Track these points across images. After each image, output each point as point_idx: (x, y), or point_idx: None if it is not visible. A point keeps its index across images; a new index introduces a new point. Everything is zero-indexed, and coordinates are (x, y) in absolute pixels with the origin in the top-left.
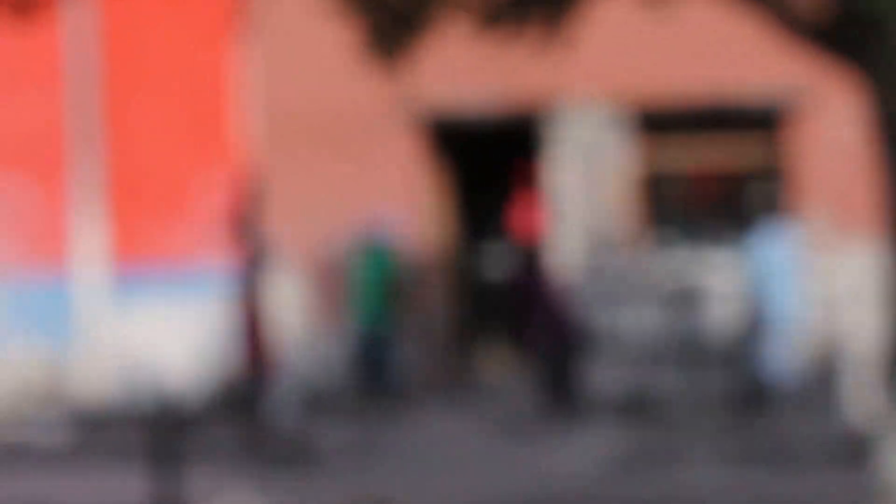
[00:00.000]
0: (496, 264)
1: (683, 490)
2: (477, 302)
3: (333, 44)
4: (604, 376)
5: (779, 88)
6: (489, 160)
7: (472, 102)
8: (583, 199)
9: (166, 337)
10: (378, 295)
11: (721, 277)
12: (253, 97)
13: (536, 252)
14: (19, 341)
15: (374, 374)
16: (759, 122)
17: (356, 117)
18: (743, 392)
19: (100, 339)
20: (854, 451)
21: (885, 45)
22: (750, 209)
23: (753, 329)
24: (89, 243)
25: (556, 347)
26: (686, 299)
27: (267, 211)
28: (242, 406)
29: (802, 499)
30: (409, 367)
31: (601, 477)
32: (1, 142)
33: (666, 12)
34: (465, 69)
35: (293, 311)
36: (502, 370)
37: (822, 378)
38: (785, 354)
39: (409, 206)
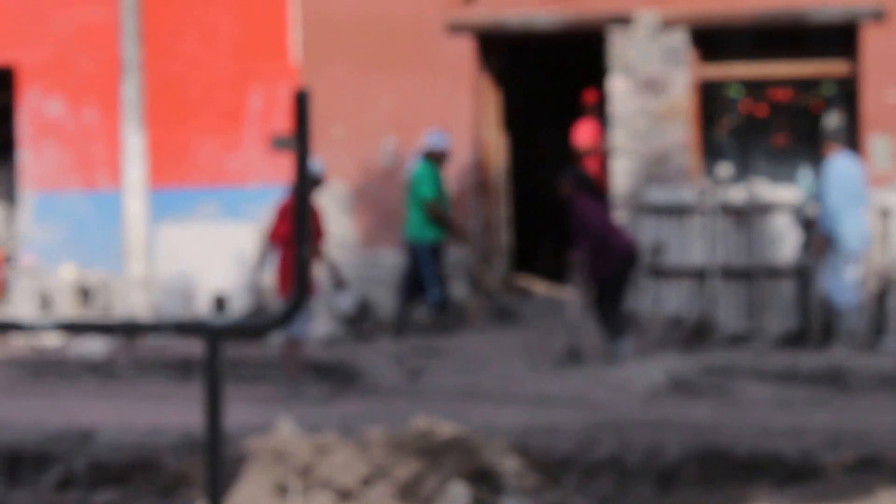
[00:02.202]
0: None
1: (734, 410)
2: (529, 222)
3: None
4: (661, 299)
5: (850, 7)
6: (545, 76)
7: (528, 15)
8: (641, 125)
9: (216, 259)
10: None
11: (786, 195)
12: (299, 10)
13: (582, 174)
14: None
15: (420, 287)
16: (829, 40)
17: (404, 27)
18: (803, 318)
19: (148, 260)
20: None
21: None
22: (823, 134)
23: (823, 254)
24: (138, 165)
25: (610, 269)
26: (748, 216)
27: (313, 127)
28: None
29: (850, 420)
30: (457, 287)
31: (655, 398)
32: (53, 64)
33: None
34: None
35: (342, 227)
36: (552, 291)
37: (878, 313)
38: (852, 283)
39: (458, 122)
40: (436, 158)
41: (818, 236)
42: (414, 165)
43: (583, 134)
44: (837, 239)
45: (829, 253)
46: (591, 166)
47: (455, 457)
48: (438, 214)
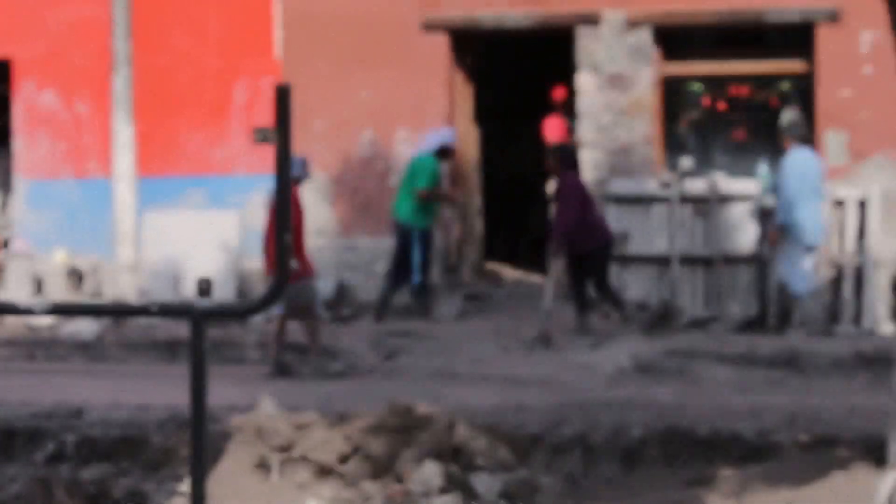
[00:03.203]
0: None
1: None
2: (504, 208)
3: None
4: (626, 285)
5: (806, 8)
6: (518, 72)
7: (500, 14)
8: (607, 120)
9: (202, 245)
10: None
11: (745, 187)
12: (285, 8)
13: (571, 151)
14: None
15: (407, 271)
16: (786, 39)
17: (381, 25)
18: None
19: (136, 246)
20: (863, 365)
21: None
22: (781, 129)
23: (778, 245)
24: (127, 154)
25: (590, 246)
26: (708, 206)
27: (294, 119)
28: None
29: (806, 401)
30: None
31: (620, 380)
32: (47, 58)
33: None
34: None
35: (322, 215)
36: (523, 278)
37: (833, 299)
38: (808, 272)
39: (433, 116)
40: (444, 154)
41: (773, 228)
42: (419, 155)
43: (551, 130)
44: (794, 230)
45: (785, 243)
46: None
47: (429, 435)
48: (429, 196)
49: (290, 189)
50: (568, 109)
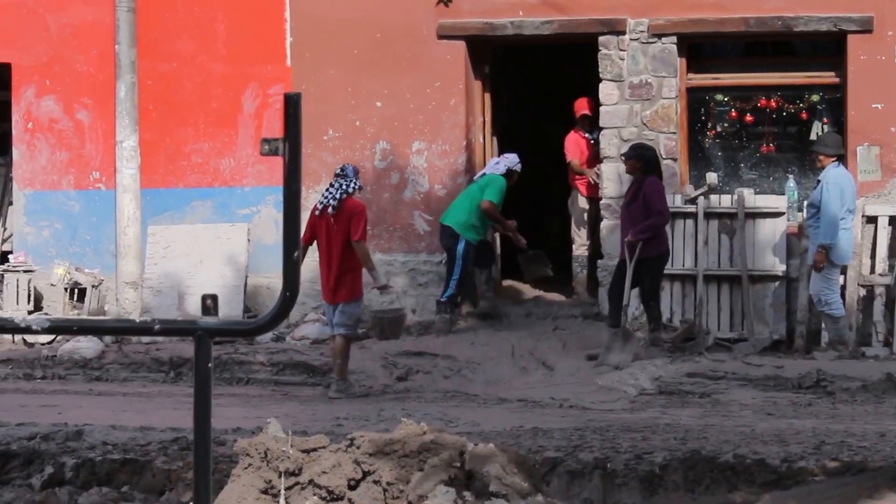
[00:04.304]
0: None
1: (720, 415)
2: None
3: None
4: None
5: (837, 17)
6: (538, 81)
7: (519, 21)
8: (630, 132)
9: (209, 259)
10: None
11: (773, 203)
12: (296, 13)
13: (654, 154)
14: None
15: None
16: (816, 49)
17: (395, 31)
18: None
19: (140, 260)
20: (893, 388)
21: None
22: (815, 145)
23: (822, 262)
24: (131, 164)
25: (658, 252)
26: (735, 222)
27: (305, 129)
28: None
29: (834, 426)
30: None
31: (642, 402)
32: (48, 64)
33: None
34: None
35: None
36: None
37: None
38: (838, 292)
39: (449, 126)
40: (509, 177)
41: (819, 249)
42: (489, 172)
43: (571, 147)
44: (832, 248)
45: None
46: (581, 185)
47: (441, 460)
48: (496, 217)
49: (300, 204)
50: (591, 124)
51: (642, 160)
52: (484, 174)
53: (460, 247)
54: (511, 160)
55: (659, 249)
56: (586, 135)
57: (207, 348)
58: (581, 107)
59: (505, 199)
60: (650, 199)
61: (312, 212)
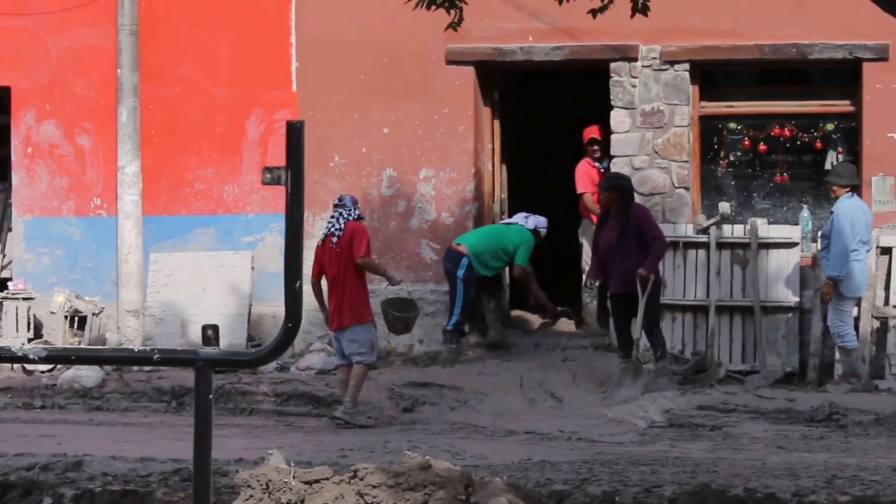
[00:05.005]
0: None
1: (731, 448)
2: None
3: None
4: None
5: (852, 45)
6: (549, 107)
7: (529, 46)
8: (641, 160)
9: (211, 288)
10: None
11: (787, 233)
12: (301, 37)
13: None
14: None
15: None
16: (831, 77)
17: (403, 56)
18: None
19: (142, 287)
20: None
21: None
22: (830, 176)
23: (829, 298)
24: (133, 190)
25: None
26: (747, 253)
27: (312, 156)
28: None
29: (847, 460)
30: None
31: (651, 435)
32: (49, 87)
33: None
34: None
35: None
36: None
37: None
38: (851, 324)
39: (457, 152)
40: (537, 235)
41: (826, 281)
42: (518, 224)
43: (582, 178)
44: (845, 280)
45: (834, 294)
46: (593, 215)
47: (447, 493)
48: (529, 284)
49: (302, 233)
50: (602, 153)
51: (619, 190)
52: (514, 223)
53: (461, 271)
54: (541, 222)
55: (658, 277)
56: (596, 164)
57: (208, 378)
58: (590, 131)
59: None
60: (645, 225)
61: (318, 245)
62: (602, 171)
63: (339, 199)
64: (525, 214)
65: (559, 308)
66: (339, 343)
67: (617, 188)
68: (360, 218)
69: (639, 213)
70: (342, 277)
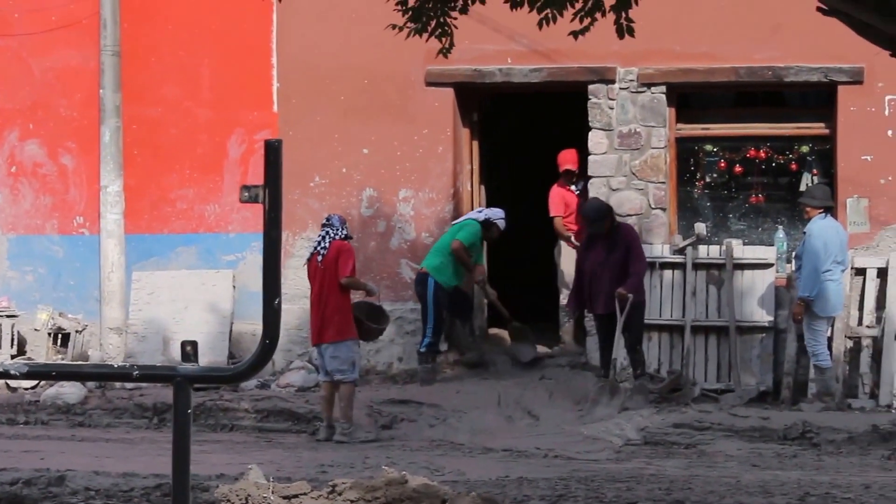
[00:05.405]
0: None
1: (706, 466)
2: (508, 272)
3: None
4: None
5: (828, 68)
6: (527, 129)
7: (507, 68)
8: (618, 182)
9: (193, 306)
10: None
11: (762, 254)
12: (283, 59)
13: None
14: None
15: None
16: (807, 100)
17: (383, 78)
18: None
19: (124, 305)
20: (879, 441)
21: None
22: (803, 197)
23: (800, 319)
24: (115, 209)
25: (641, 297)
26: (723, 273)
27: (292, 176)
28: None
29: (819, 477)
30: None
31: (627, 452)
32: (32, 107)
33: None
34: (500, 37)
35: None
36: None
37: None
38: (825, 343)
39: (437, 173)
40: (488, 228)
41: (797, 301)
42: (466, 218)
43: (556, 201)
44: (816, 301)
45: (808, 313)
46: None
47: None
48: (464, 258)
49: (280, 251)
50: (578, 176)
51: (608, 218)
52: (465, 219)
53: (429, 292)
54: (495, 213)
55: (642, 296)
56: (571, 187)
57: (187, 394)
58: (565, 160)
59: (480, 248)
60: (633, 245)
61: (305, 264)
62: (577, 193)
63: (328, 219)
64: (479, 209)
65: (517, 324)
66: (323, 359)
67: (607, 216)
68: (347, 237)
69: (629, 233)
70: (325, 294)
